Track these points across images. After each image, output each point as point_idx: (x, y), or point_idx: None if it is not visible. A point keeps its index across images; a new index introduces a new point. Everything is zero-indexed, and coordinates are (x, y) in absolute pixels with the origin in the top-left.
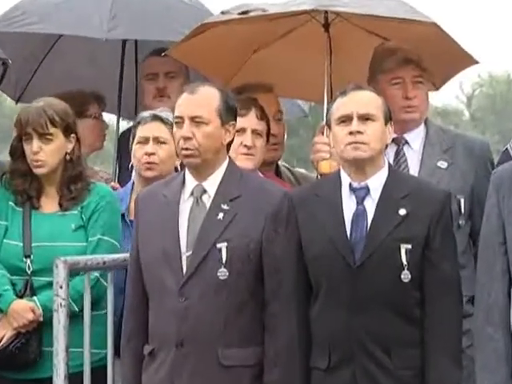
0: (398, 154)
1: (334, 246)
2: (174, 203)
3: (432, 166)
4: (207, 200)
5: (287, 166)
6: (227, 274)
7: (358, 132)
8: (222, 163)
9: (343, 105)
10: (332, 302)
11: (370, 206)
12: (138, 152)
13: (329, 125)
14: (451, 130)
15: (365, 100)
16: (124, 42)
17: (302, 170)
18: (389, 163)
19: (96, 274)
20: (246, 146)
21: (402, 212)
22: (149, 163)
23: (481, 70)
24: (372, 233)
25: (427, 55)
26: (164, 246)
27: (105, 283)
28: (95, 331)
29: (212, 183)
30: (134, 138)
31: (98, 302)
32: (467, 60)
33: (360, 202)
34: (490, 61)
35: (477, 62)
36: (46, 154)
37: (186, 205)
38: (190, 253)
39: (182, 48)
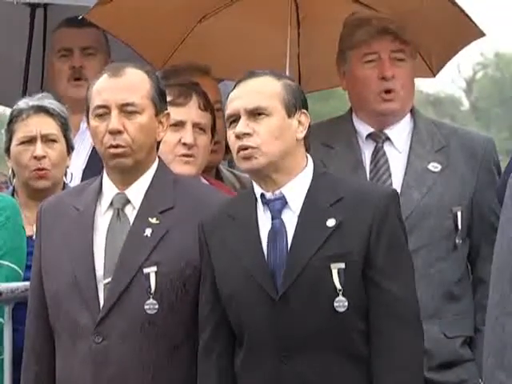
0: (377, 154)
1: (252, 276)
2: (88, 217)
3: (421, 170)
4: (131, 212)
5: (231, 170)
6: (157, 307)
7: (246, 134)
8: (150, 166)
9: (231, 100)
10: (256, 348)
11: (290, 220)
12: (22, 156)
13: None
14: (446, 123)
15: (254, 90)
16: (33, 6)
17: None
18: (314, 163)
19: None
20: (185, 144)
21: (331, 223)
22: (40, 170)
23: (484, 46)
24: (294, 253)
25: (422, 28)
26: (75, 272)
27: (1, 320)
28: None
29: (137, 191)
30: (10, 137)
31: None
32: (471, 31)
33: (276, 215)
34: (497, 36)
35: (483, 35)
36: None
37: (103, 219)
38: (108, 280)
39: (104, 11)
